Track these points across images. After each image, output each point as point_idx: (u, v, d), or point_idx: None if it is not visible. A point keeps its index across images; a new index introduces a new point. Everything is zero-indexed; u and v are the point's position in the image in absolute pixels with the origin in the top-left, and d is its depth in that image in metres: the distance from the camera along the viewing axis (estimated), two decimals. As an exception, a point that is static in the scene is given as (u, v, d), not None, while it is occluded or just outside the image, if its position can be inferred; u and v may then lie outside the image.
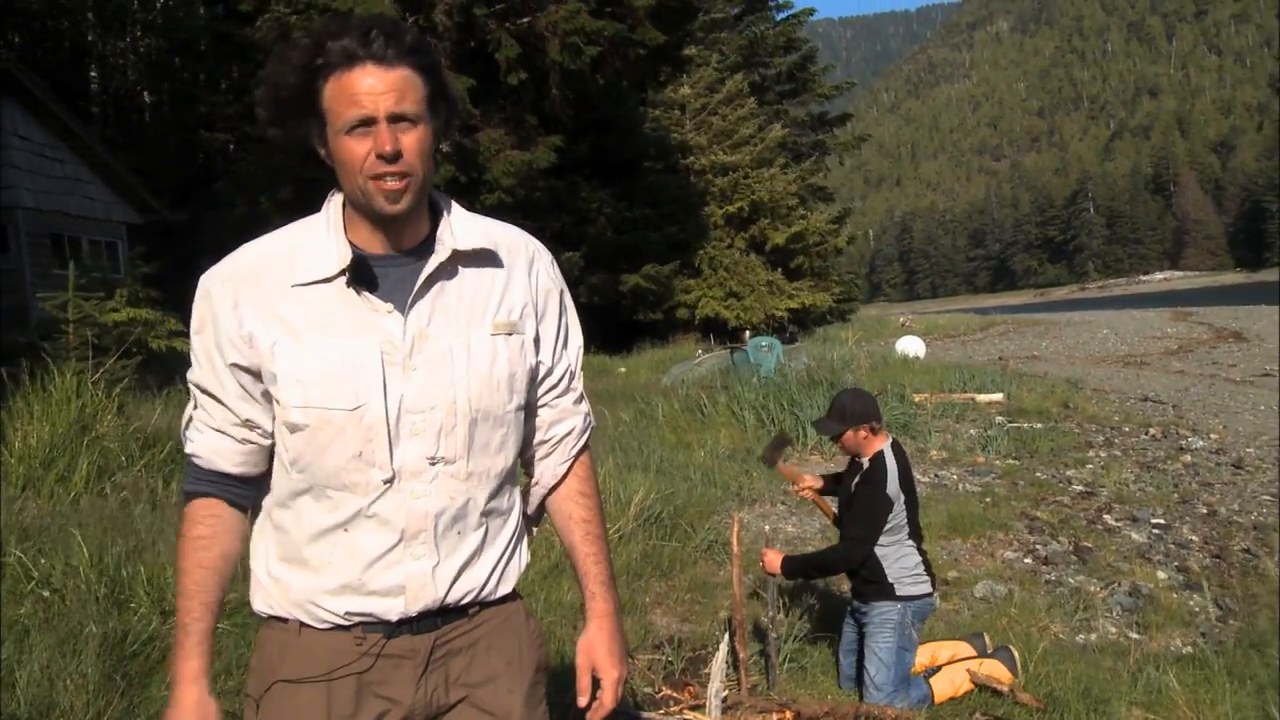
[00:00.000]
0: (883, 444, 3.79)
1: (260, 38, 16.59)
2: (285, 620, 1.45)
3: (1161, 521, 6.62)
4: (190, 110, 21.58)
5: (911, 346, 18.11)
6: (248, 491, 1.48)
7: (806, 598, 4.65)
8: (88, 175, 15.92)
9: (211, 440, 1.44)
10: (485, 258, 1.48)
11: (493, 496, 1.49)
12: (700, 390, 10.58)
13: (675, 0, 19.85)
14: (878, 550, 3.70)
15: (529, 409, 1.55)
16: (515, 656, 1.54)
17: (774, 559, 3.84)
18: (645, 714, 3.35)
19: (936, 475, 8.01)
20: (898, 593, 3.70)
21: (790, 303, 29.67)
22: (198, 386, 1.45)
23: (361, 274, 1.39)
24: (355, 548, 1.41)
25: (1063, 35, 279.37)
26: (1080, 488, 7.64)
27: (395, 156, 1.33)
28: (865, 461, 3.78)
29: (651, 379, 15.91)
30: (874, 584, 3.73)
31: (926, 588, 3.77)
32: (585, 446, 1.64)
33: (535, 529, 1.68)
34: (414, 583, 1.42)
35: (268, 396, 1.41)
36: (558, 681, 2.07)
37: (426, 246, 1.44)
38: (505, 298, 1.48)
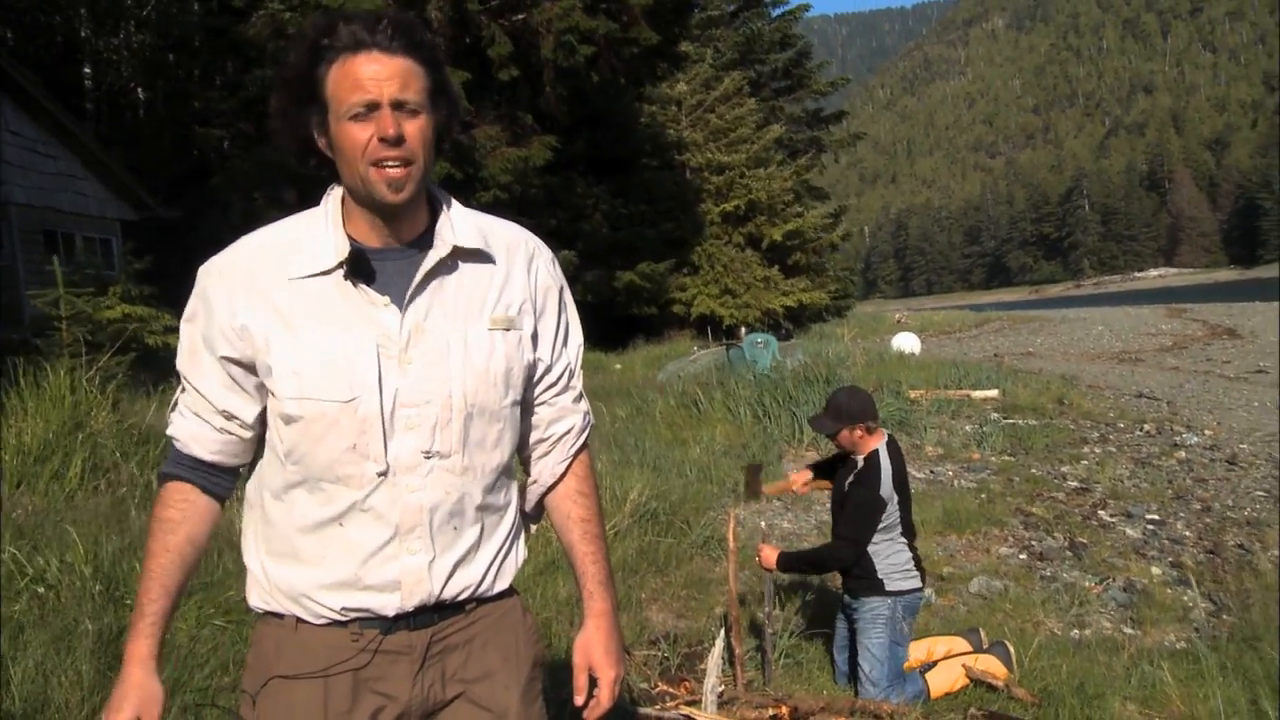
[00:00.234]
0: (878, 442, 3.79)
1: (254, 34, 16.53)
2: (281, 616, 1.45)
3: (1156, 517, 6.64)
4: (184, 106, 21.47)
5: (907, 343, 18.15)
6: (224, 480, 1.49)
7: (802, 593, 4.66)
8: (81, 172, 15.83)
9: (191, 426, 1.45)
10: (484, 254, 1.47)
11: (489, 492, 1.48)
12: (696, 387, 10.58)
13: (671, -2, 19.86)
14: (870, 547, 3.72)
15: (526, 406, 1.54)
16: (512, 652, 1.53)
17: (770, 554, 3.85)
18: (641, 709, 3.35)
19: (932, 471, 8.03)
20: (887, 588, 3.72)
21: (786, 299, 29.72)
22: (182, 373, 1.46)
23: (359, 267, 1.39)
24: (350, 542, 1.40)
25: (1058, 32, 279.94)
26: (1075, 484, 7.66)
27: (399, 140, 1.33)
28: (860, 460, 3.79)
29: (647, 375, 15.93)
30: (864, 579, 3.75)
31: (916, 582, 3.79)
32: (584, 445, 1.64)
33: (534, 526, 1.67)
34: (410, 578, 1.42)
35: (260, 389, 1.41)
36: (554, 677, 2.07)
37: (425, 240, 1.44)
38: (503, 293, 1.48)
